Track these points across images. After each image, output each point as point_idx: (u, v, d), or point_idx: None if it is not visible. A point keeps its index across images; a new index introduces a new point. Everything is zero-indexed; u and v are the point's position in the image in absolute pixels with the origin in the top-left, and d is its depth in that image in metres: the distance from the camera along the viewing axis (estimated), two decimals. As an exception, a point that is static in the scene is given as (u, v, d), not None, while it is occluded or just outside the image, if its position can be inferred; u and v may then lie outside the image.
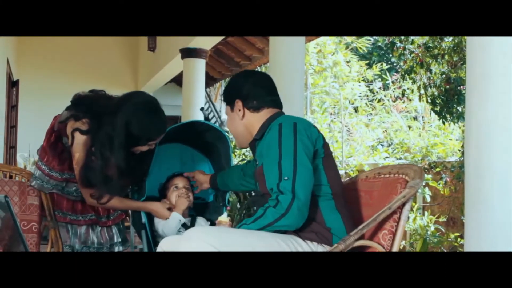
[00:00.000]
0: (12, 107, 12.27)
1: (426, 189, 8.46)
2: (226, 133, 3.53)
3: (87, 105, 3.23)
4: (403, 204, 2.49)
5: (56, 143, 3.29)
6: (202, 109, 9.47)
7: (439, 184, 8.31)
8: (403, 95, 10.60)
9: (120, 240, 3.56)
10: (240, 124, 2.89)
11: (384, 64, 13.83)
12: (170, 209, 3.36)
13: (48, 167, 3.37)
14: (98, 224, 3.48)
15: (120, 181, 3.23)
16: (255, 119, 2.85)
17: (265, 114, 2.85)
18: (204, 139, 3.57)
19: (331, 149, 2.82)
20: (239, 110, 2.87)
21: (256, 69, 13.00)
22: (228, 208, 3.68)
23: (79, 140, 3.17)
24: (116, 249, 3.52)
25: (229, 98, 2.93)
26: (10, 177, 3.55)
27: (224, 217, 3.21)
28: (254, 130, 2.85)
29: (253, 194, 7.72)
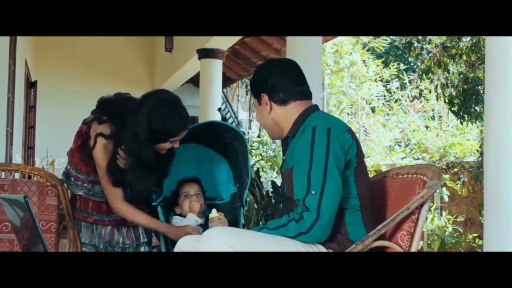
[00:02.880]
0: (30, 108, 12.34)
1: (444, 189, 8.44)
2: (243, 134, 3.53)
3: (111, 108, 3.26)
4: (422, 205, 2.48)
5: (83, 145, 3.32)
6: (219, 109, 9.48)
7: (456, 184, 8.28)
8: (420, 95, 10.57)
9: (146, 240, 3.56)
10: (269, 118, 2.76)
11: (401, 64, 13.78)
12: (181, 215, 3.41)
13: (75, 169, 3.40)
14: (124, 224, 3.49)
15: (145, 180, 3.26)
16: (284, 113, 2.72)
17: (294, 107, 2.71)
18: (221, 139, 3.57)
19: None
20: (266, 104, 2.74)
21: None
22: (246, 208, 3.67)
23: (101, 144, 3.21)
24: (142, 249, 3.53)
25: (255, 92, 2.81)
26: (29, 177, 3.57)
27: (213, 213, 3.24)
28: (284, 124, 2.73)
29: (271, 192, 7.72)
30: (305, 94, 2.76)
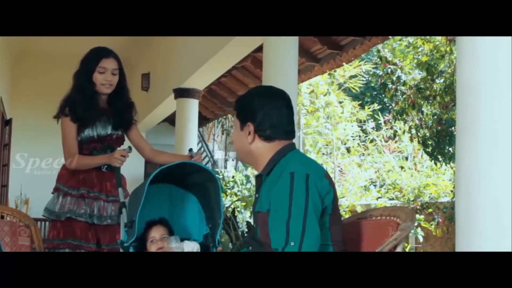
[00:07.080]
0: (5, 146, 12.25)
1: (419, 229, 8.47)
2: (217, 175, 3.53)
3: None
4: (395, 247, 2.48)
5: None
6: (190, 150, 9.53)
7: (431, 225, 8.32)
8: (394, 135, 10.65)
9: None
10: (247, 147, 2.66)
11: (376, 104, 13.91)
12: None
13: (67, 187, 3.60)
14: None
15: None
16: (265, 149, 2.63)
17: (276, 145, 2.63)
18: (194, 179, 3.56)
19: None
20: (249, 133, 2.63)
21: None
22: (220, 248, 3.65)
23: (65, 121, 3.88)
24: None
25: (241, 116, 2.69)
26: (2, 217, 3.54)
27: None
28: (261, 159, 2.64)
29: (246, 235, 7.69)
30: (291, 134, 2.70)
